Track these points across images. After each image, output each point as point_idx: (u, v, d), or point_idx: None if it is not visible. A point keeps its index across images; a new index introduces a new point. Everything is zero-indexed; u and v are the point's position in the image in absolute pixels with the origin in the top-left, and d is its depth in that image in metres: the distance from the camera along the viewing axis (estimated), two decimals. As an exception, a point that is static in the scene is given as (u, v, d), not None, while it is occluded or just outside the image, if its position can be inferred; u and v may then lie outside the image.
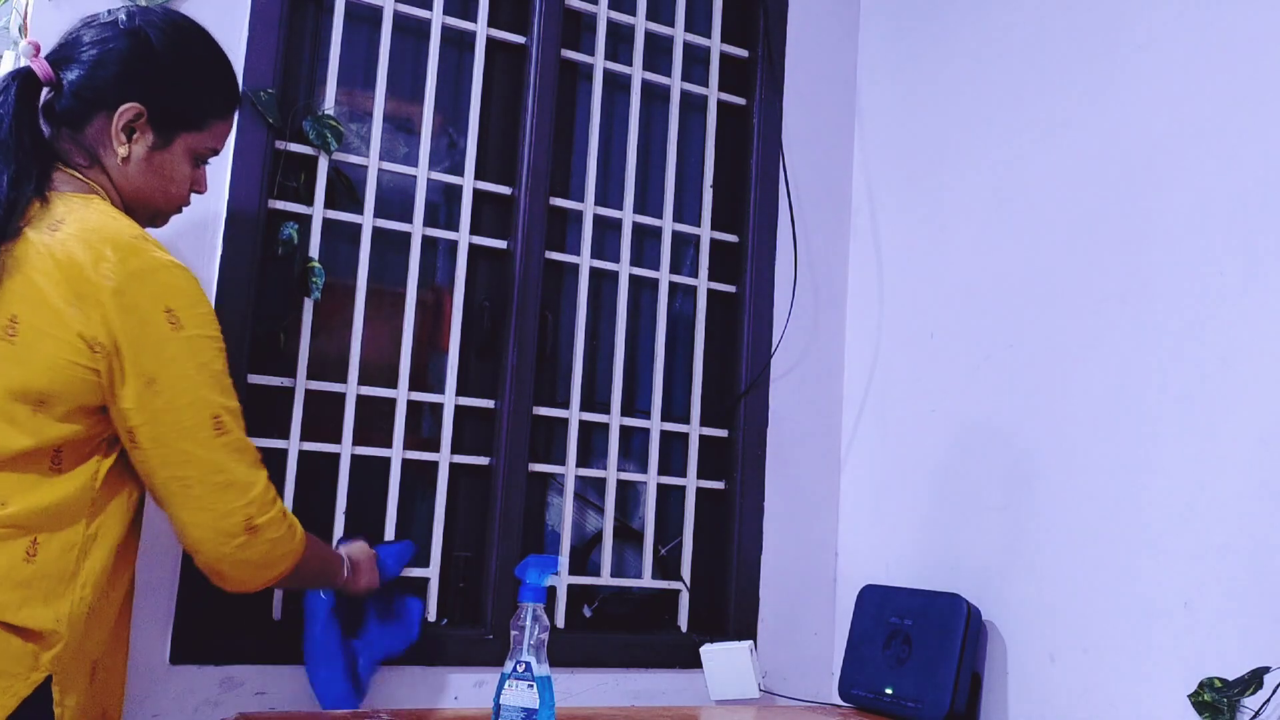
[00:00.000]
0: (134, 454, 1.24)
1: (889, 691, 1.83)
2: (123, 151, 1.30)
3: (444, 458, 1.89)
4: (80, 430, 1.21)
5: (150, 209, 1.37)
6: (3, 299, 1.18)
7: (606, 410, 2.06)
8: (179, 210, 1.42)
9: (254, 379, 1.76)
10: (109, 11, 1.35)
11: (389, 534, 1.84)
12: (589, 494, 2.08)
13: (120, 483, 1.26)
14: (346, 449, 1.81)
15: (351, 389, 1.82)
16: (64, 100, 1.29)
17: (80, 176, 1.29)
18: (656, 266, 2.13)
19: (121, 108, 1.29)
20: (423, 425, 1.94)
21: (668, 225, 2.14)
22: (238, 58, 1.76)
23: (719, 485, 2.15)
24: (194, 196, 1.43)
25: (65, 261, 1.19)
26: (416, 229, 1.91)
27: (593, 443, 2.07)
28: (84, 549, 1.21)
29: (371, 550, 1.65)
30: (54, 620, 1.17)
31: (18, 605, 1.15)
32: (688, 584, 2.08)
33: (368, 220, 1.87)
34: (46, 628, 1.16)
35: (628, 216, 2.10)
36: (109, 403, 1.22)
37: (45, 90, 1.29)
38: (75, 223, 1.22)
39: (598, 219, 2.09)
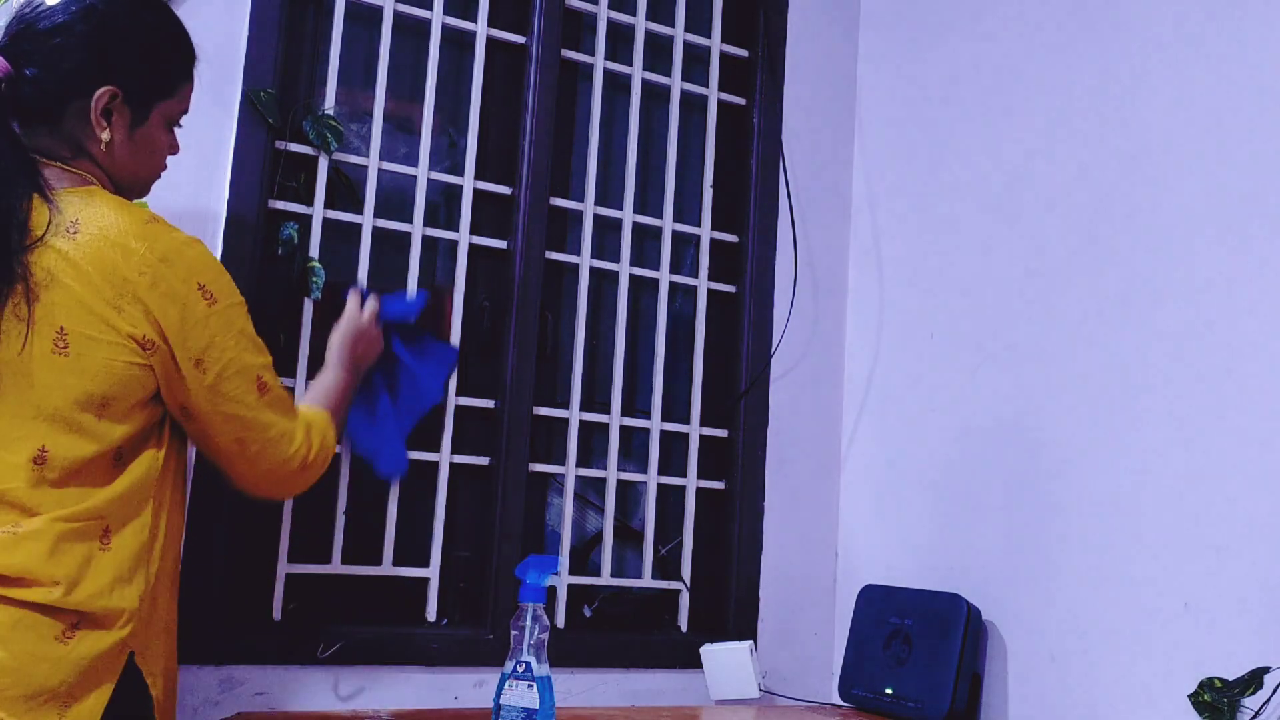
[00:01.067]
0: (188, 426, 1.31)
1: (889, 691, 1.83)
2: (105, 136, 1.28)
3: (444, 458, 1.89)
4: (140, 423, 1.25)
5: (139, 185, 1.37)
6: (46, 313, 1.18)
7: (606, 410, 2.06)
8: (156, 178, 1.41)
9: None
10: None
11: (389, 534, 1.84)
12: (589, 494, 2.08)
13: (178, 463, 1.33)
14: (346, 449, 1.81)
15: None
16: (32, 96, 1.25)
17: (70, 169, 1.27)
18: (656, 266, 2.13)
19: (96, 93, 1.26)
20: (423, 425, 1.94)
21: (668, 225, 2.14)
22: (238, 58, 1.76)
23: (719, 485, 2.15)
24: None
25: (97, 265, 1.20)
26: (416, 229, 1.91)
27: (593, 443, 2.07)
28: (154, 530, 1.26)
29: (361, 315, 1.64)
30: (135, 599, 1.21)
31: (106, 591, 1.19)
32: (688, 584, 2.08)
33: (368, 220, 1.87)
34: (129, 607, 1.20)
35: (628, 216, 2.10)
36: (162, 388, 1.26)
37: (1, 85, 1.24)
38: (90, 222, 1.22)
39: (598, 219, 2.09)
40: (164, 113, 1.35)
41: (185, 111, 1.39)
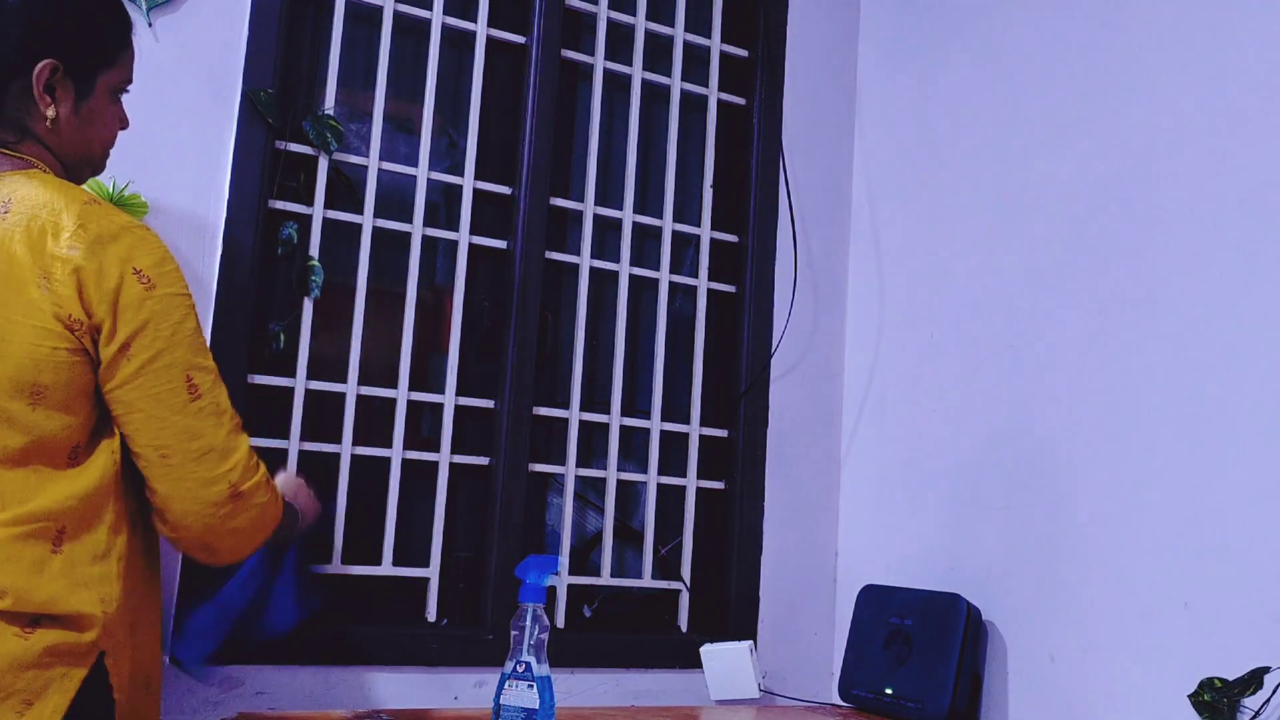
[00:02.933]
0: (117, 421, 1.21)
1: (889, 691, 1.83)
2: (50, 114, 1.22)
3: (444, 458, 1.89)
4: (86, 416, 1.19)
5: (91, 162, 1.32)
6: None
7: (606, 410, 2.06)
8: (108, 153, 1.35)
9: (254, 379, 1.76)
10: None
11: (389, 534, 1.84)
12: (589, 494, 2.08)
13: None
14: (346, 449, 1.81)
15: (351, 389, 1.82)
16: None
17: (12, 153, 1.22)
18: (656, 266, 2.13)
19: (36, 69, 1.20)
20: (423, 425, 1.94)
21: (668, 225, 2.14)
22: (238, 57, 1.76)
23: (719, 485, 2.15)
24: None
25: (25, 242, 1.14)
26: (416, 229, 1.91)
27: (593, 443, 2.07)
28: (114, 528, 1.20)
29: (299, 479, 1.57)
30: (98, 602, 1.16)
31: (63, 595, 1.14)
32: (688, 584, 2.08)
33: (368, 220, 1.87)
34: (89, 611, 1.15)
35: (628, 216, 2.10)
36: (100, 377, 1.19)
37: None
38: (22, 201, 1.16)
39: (598, 219, 2.09)
40: (108, 83, 1.28)
41: (129, 80, 1.33)
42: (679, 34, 2.19)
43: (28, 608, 1.12)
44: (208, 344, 1.28)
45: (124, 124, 1.34)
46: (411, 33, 1.99)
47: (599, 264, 2.07)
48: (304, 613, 1.58)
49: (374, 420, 1.87)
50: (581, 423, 2.03)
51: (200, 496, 1.22)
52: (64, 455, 1.17)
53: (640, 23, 2.15)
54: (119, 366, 1.18)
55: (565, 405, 2.02)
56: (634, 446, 2.12)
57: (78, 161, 1.29)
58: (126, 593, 1.21)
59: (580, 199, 2.07)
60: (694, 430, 2.13)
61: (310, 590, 1.61)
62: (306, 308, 1.80)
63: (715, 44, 2.23)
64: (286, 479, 1.55)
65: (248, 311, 1.73)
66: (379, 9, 1.91)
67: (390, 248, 1.92)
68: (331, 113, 1.84)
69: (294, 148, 1.82)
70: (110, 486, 1.20)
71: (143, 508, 1.26)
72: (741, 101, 2.26)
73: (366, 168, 1.88)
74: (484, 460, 1.94)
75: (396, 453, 1.85)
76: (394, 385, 1.87)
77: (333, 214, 1.84)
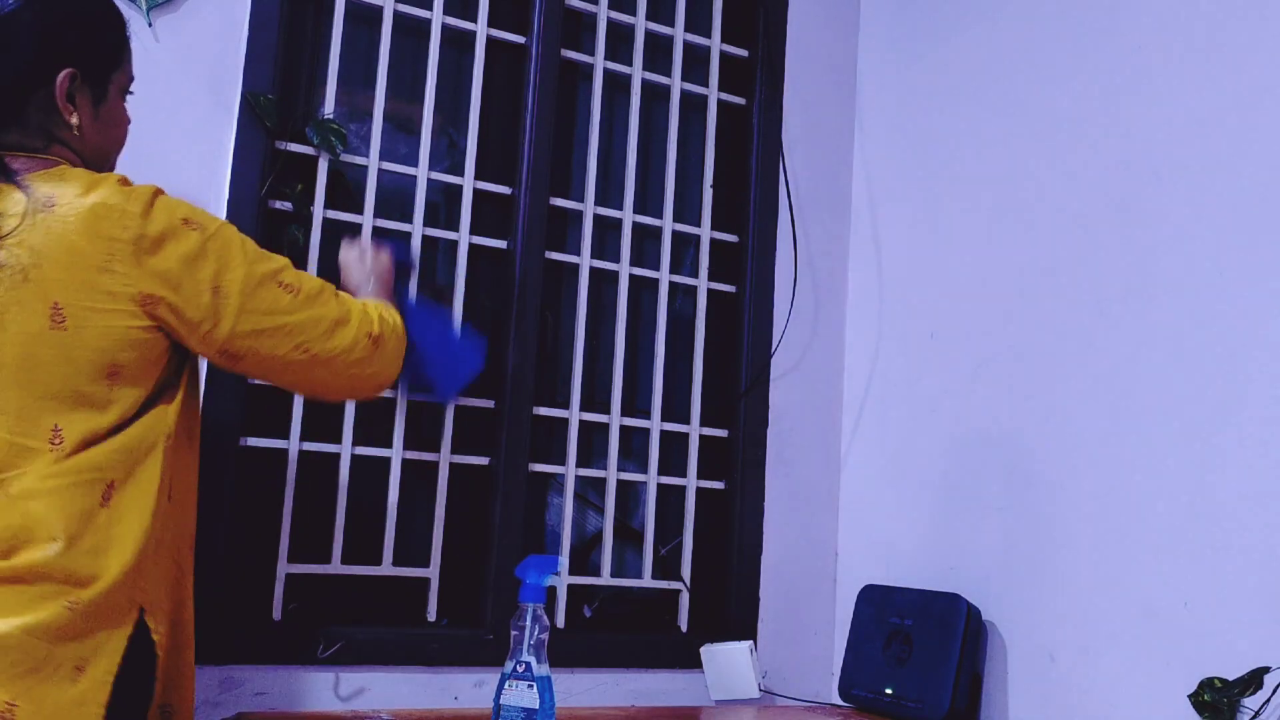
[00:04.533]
0: (242, 366, 1.31)
1: (889, 691, 1.83)
2: (74, 121, 1.26)
3: (444, 458, 1.89)
4: (153, 383, 1.24)
5: (109, 160, 1.36)
6: (39, 291, 1.17)
7: (607, 410, 2.06)
8: (120, 150, 1.39)
9: (254, 379, 1.76)
10: None
11: (389, 534, 1.84)
12: (589, 494, 2.08)
13: (189, 416, 1.31)
14: (346, 449, 1.82)
15: (351, 389, 1.82)
16: None
17: (40, 156, 1.25)
18: (656, 266, 2.13)
19: (58, 80, 1.24)
20: (423, 425, 1.94)
21: (668, 225, 2.14)
22: (238, 58, 1.76)
23: (719, 485, 2.15)
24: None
25: (81, 233, 1.19)
26: (416, 229, 1.91)
27: (593, 443, 2.07)
28: (161, 488, 1.24)
29: (347, 253, 1.61)
30: (135, 557, 1.19)
31: (105, 548, 1.18)
32: (688, 584, 2.08)
33: (368, 220, 1.87)
34: (128, 566, 1.19)
35: (628, 216, 2.10)
36: (187, 338, 1.26)
37: None
38: (65, 195, 1.20)
39: (598, 219, 2.09)
40: (119, 84, 1.34)
41: (133, 79, 1.37)
42: (679, 34, 2.19)
43: (73, 563, 1.15)
44: None
45: (128, 120, 1.38)
46: (411, 33, 1.99)
47: (599, 264, 2.07)
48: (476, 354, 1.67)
49: (374, 420, 1.87)
50: (581, 423, 2.03)
51: (351, 361, 1.35)
52: (127, 420, 1.22)
53: (640, 23, 2.15)
54: (222, 310, 1.25)
55: (565, 405, 2.02)
56: (634, 446, 2.12)
57: (98, 161, 1.33)
58: (165, 551, 1.26)
59: (580, 199, 2.07)
60: (694, 430, 2.13)
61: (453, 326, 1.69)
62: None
63: (715, 44, 2.23)
64: (345, 260, 1.60)
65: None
66: (379, 9, 1.91)
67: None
68: (331, 115, 1.84)
69: (294, 148, 1.81)
70: (158, 448, 1.24)
71: (183, 475, 1.31)
72: (741, 101, 2.26)
73: (366, 168, 1.88)
74: (484, 460, 1.94)
75: (396, 453, 1.85)
76: (393, 385, 1.86)
77: (333, 214, 1.84)
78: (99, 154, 1.32)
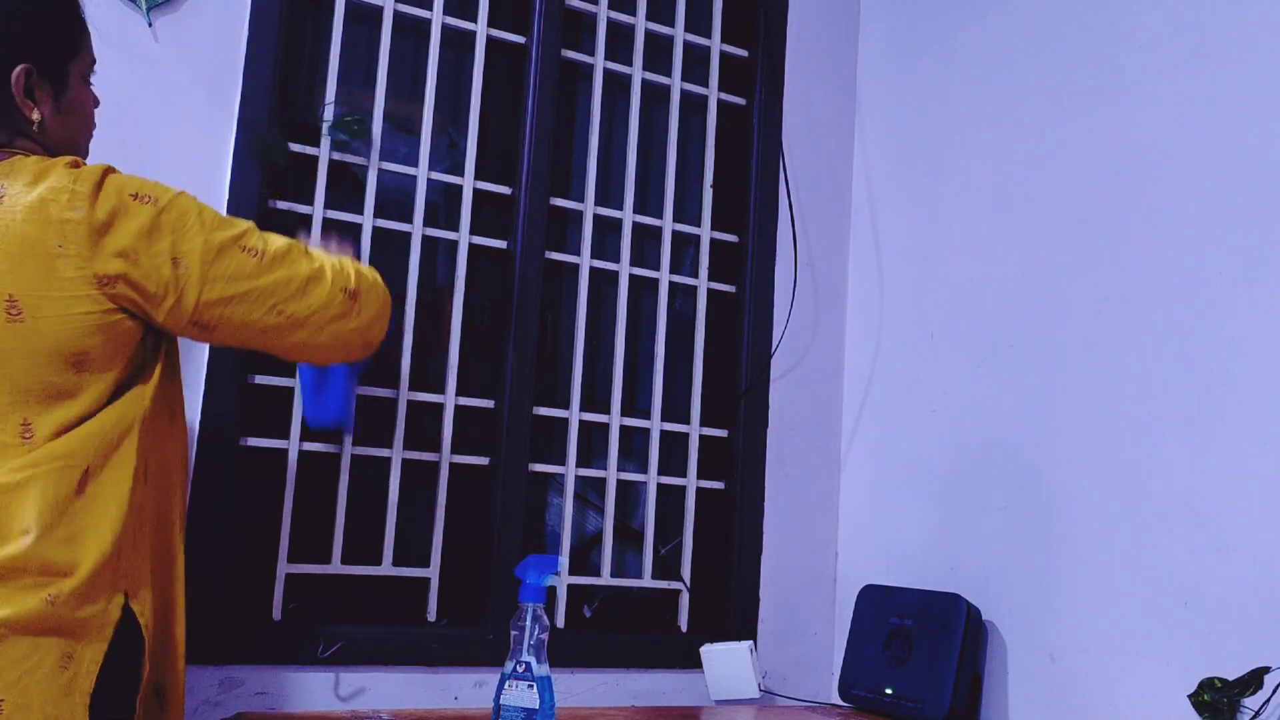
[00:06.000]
0: (217, 335, 1.27)
1: (889, 691, 1.83)
2: (35, 116, 1.23)
3: (444, 458, 1.89)
4: (124, 365, 1.22)
5: (77, 150, 1.33)
6: None
7: (606, 410, 2.06)
8: (91, 137, 1.37)
9: (254, 379, 1.76)
10: None
11: (389, 534, 1.84)
12: (589, 494, 2.08)
13: (166, 394, 1.28)
14: (347, 449, 1.81)
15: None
16: None
17: (3, 150, 1.23)
18: (656, 266, 2.13)
19: (12, 77, 1.21)
20: (423, 425, 1.94)
21: (668, 225, 2.14)
22: (238, 58, 1.76)
23: (719, 485, 2.15)
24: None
25: (30, 220, 1.16)
26: (416, 229, 1.91)
27: (593, 443, 2.07)
28: (138, 471, 1.22)
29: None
30: (113, 542, 1.18)
31: (82, 536, 1.17)
32: (688, 584, 2.08)
33: (368, 220, 1.87)
34: (106, 553, 1.18)
35: (628, 216, 2.10)
36: (154, 314, 1.22)
37: None
38: (13, 184, 1.18)
39: (598, 219, 2.09)
40: (79, 71, 1.30)
41: (94, 61, 1.34)
42: (679, 34, 2.19)
43: (48, 552, 1.14)
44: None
45: (96, 102, 1.36)
46: (411, 33, 1.99)
47: (599, 264, 2.07)
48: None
49: (374, 420, 1.87)
50: (581, 423, 2.03)
51: (329, 319, 1.31)
52: (100, 405, 1.21)
53: (640, 23, 2.15)
54: (184, 281, 1.21)
55: (565, 405, 2.02)
56: (634, 446, 2.12)
57: (67, 150, 1.30)
58: (146, 531, 1.24)
59: (580, 199, 2.07)
60: (694, 430, 2.13)
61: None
62: (306, 308, 1.80)
63: (715, 44, 2.23)
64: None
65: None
66: (379, 9, 1.91)
67: (390, 248, 1.92)
68: (330, 116, 1.84)
69: (294, 148, 1.81)
70: (133, 430, 1.22)
71: (162, 454, 1.29)
72: (741, 101, 2.26)
73: (367, 168, 1.88)
74: (484, 460, 1.94)
75: (396, 453, 1.85)
76: (394, 385, 1.87)
77: (333, 214, 1.84)
78: (67, 144, 1.29)
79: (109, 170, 1.21)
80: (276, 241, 1.29)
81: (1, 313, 1.15)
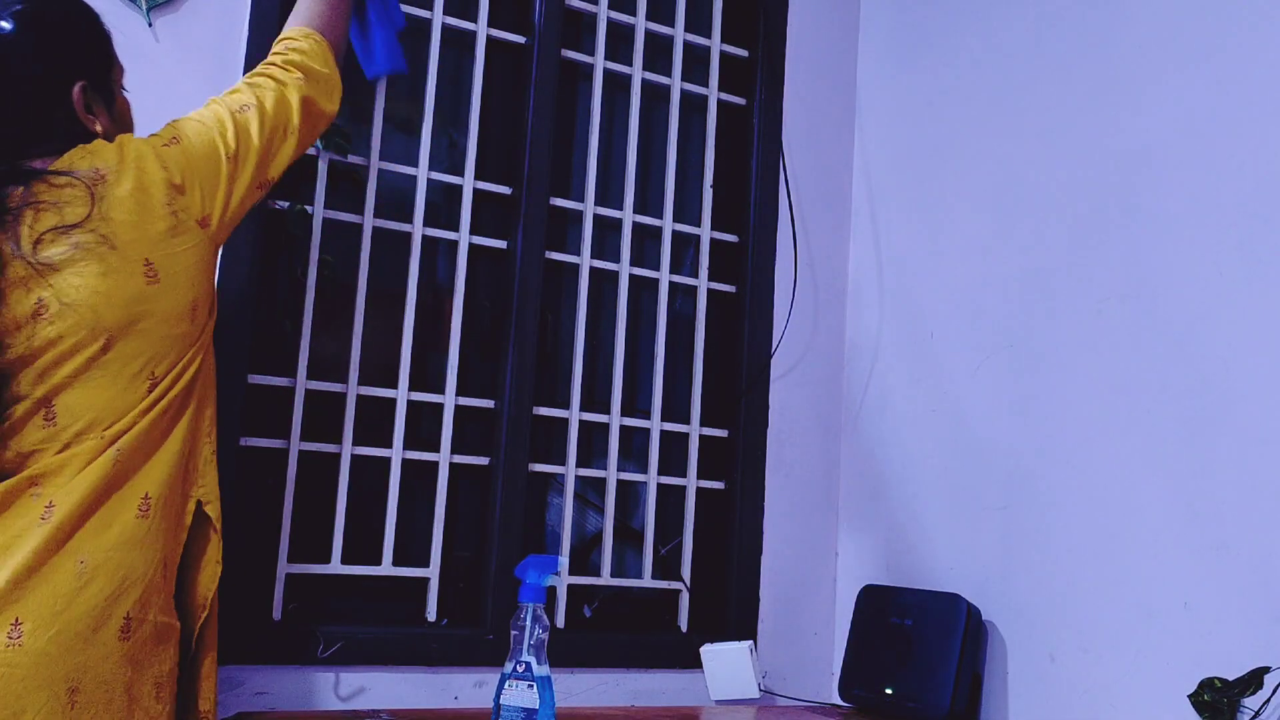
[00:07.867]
0: (270, 162, 1.41)
1: (889, 691, 1.83)
2: (98, 129, 1.31)
3: (444, 458, 1.89)
4: (212, 310, 1.35)
5: None
6: (125, 253, 1.22)
7: (607, 410, 2.06)
8: None
9: (254, 379, 1.76)
10: None
11: (389, 534, 1.84)
12: (589, 494, 2.08)
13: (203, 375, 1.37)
14: (346, 449, 1.81)
15: (351, 389, 1.82)
16: (16, 130, 1.26)
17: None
18: (656, 266, 2.13)
19: (74, 95, 1.29)
20: (423, 425, 1.94)
21: (668, 225, 2.14)
22: (238, 58, 1.76)
23: (719, 485, 2.15)
24: None
25: (137, 187, 1.24)
26: (416, 229, 1.91)
27: (593, 443, 2.07)
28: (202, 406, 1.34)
29: None
30: (161, 565, 1.27)
31: (144, 563, 1.25)
32: (688, 584, 2.08)
33: (368, 220, 1.87)
34: (154, 571, 1.26)
35: (628, 216, 2.10)
36: (228, 197, 1.34)
37: None
38: (105, 163, 1.25)
39: (598, 219, 2.09)
40: (117, 80, 1.39)
41: (123, 67, 1.41)
42: (679, 34, 2.19)
43: (131, 585, 1.22)
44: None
45: (130, 105, 1.44)
46: (412, 33, 1.99)
47: (599, 264, 2.07)
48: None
49: (374, 420, 1.87)
50: (581, 423, 2.03)
51: (301, 122, 1.43)
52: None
53: (640, 23, 2.15)
54: (244, 162, 1.36)
55: (565, 405, 2.02)
56: (634, 446, 2.12)
57: None
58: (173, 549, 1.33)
59: (580, 199, 2.07)
60: (694, 430, 2.13)
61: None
62: (308, 307, 1.80)
63: (715, 44, 2.23)
64: None
65: (247, 312, 1.73)
66: (379, 9, 1.91)
67: (390, 248, 1.92)
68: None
69: (294, 148, 1.81)
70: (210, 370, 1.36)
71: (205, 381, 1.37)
72: (741, 101, 2.26)
73: (367, 168, 1.88)
74: (484, 460, 1.94)
75: (396, 453, 1.85)
76: (394, 385, 1.87)
77: (333, 214, 1.84)
78: None
79: (144, 139, 1.32)
80: (240, 128, 1.37)
81: (141, 278, 1.23)
